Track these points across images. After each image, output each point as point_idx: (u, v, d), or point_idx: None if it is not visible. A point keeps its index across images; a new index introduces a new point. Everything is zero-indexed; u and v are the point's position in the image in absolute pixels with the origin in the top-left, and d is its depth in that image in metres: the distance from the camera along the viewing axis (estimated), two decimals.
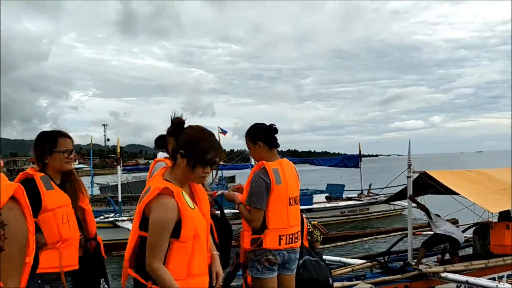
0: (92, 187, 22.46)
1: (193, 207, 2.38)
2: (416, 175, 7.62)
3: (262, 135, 3.88)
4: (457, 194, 7.45)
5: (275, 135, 3.93)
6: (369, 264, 7.57)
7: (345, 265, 7.48)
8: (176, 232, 2.32)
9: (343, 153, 21.79)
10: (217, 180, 23.81)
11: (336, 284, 6.16)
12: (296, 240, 3.84)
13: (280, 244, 3.73)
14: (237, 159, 23.17)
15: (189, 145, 2.41)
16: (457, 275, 6.58)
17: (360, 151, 20.25)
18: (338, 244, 10.00)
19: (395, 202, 14.63)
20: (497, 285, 6.20)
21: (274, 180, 3.71)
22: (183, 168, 2.41)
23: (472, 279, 6.42)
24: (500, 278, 7.13)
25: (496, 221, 8.11)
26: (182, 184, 2.44)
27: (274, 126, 3.94)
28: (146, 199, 2.33)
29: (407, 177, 7.56)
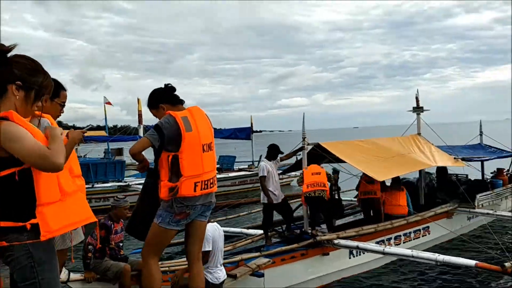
0: None
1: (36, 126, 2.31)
2: (310, 147, 7.85)
3: (161, 97, 3.96)
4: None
5: (175, 93, 3.99)
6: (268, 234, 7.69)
7: (246, 236, 7.50)
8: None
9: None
10: (103, 154, 22.45)
11: (235, 257, 6.16)
12: (211, 185, 3.90)
13: (195, 191, 3.74)
14: (119, 133, 22.02)
15: (30, 76, 2.27)
16: (349, 241, 6.99)
17: (252, 123, 20.69)
18: (229, 217, 10.09)
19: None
20: (383, 249, 6.73)
21: (184, 127, 3.71)
22: (19, 101, 2.25)
23: (362, 244, 6.88)
24: (388, 240, 7.77)
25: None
26: None
27: (170, 85, 4.00)
28: None
29: (302, 148, 7.75)
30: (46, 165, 2.09)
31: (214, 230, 5.08)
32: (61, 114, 3.47)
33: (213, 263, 5.03)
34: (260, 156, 21.22)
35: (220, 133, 20.59)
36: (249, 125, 20.81)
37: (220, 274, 5.09)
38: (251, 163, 20.85)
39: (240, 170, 20.01)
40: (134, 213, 4.26)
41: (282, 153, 7.80)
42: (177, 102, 3.96)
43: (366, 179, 8.29)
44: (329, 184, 7.71)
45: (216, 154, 4.13)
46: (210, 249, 4.93)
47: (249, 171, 19.67)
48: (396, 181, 8.74)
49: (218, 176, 18.22)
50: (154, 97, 3.98)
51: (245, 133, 20.44)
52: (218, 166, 20.41)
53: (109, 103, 19.04)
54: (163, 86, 4.04)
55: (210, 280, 4.91)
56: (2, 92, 2.24)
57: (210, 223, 5.00)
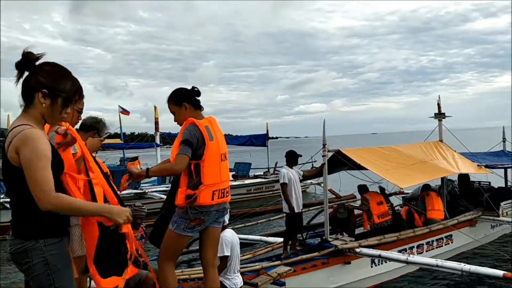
0: None
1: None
2: (330, 154, 7.73)
3: (187, 97, 3.94)
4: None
5: (198, 98, 4.02)
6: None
7: (266, 244, 7.39)
8: (58, 167, 2.22)
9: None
10: (119, 162, 22.50)
11: (255, 266, 6.08)
12: (227, 194, 3.93)
13: (213, 199, 3.77)
14: (137, 139, 22.08)
15: (56, 84, 2.25)
16: (371, 249, 6.83)
17: (267, 130, 20.67)
18: (247, 224, 9.99)
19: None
20: (407, 258, 6.54)
21: (208, 137, 3.75)
22: (46, 108, 2.24)
23: (384, 253, 6.71)
24: (411, 248, 7.59)
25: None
26: (41, 127, 2.27)
27: (197, 88, 4.01)
28: (14, 143, 2.10)
29: (323, 155, 7.63)
30: (40, 203, 2.06)
31: (233, 236, 5.03)
32: (79, 121, 3.49)
33: (232, 269, 4.98)
34: (276, 163, 21.19)
35: (236, 140, 20.60)
36: (265, 132, 20.80)
37: (237, 280, 5.04)
38: (266, 170, 20.76)
39: (255, 177, 19.93)
40: (156, 222, 4.23)
41: (300, 156, 7.67)
42: (198, 107, 3.98)
43: None
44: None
45: (231, 161, 4.07)
46: (229, 254, 4.88)
47: (265, 178, 19.56)
48: (426, 186, 8.71)
49: (234, 183, 18.36)
50: (180, 94, 3.96)
51: (261, 140, 20.45)
52: (233, 173, 20.49)
53: (124, 112, 18.90)
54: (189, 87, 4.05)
55: (228, 287, 4.87)
56: (30, 101, 2.24)
57: (228, 229, 4.99)
